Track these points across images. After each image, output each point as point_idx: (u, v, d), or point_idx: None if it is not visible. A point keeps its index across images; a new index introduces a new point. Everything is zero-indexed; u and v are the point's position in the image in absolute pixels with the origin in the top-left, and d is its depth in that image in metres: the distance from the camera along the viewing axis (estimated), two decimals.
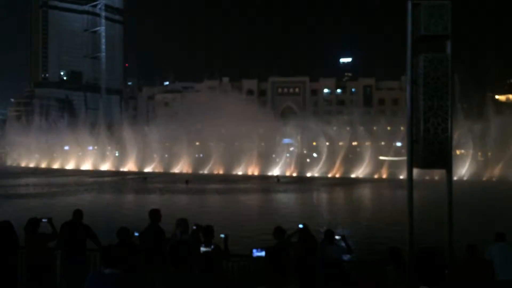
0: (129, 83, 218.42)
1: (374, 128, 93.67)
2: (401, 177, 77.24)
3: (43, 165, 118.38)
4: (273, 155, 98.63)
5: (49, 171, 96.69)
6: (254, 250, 9.10)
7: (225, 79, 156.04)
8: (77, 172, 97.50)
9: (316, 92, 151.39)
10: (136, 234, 10.59)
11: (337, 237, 11.07)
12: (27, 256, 10.29)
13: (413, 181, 8.24)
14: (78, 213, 10.77)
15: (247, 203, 43.76)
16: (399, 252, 9.64)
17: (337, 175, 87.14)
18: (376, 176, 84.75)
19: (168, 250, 5.76)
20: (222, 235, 9.63)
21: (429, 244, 4.66)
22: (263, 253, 8.87)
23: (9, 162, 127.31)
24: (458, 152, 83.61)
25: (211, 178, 79.83)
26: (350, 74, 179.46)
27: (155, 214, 10.68)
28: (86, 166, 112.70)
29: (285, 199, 48.51)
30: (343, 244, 11.18)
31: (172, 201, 42.63)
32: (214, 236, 9.46)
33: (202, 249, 9.10)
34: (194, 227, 9.92)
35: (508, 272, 9.88)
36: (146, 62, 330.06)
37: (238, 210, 37.40)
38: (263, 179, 76.69)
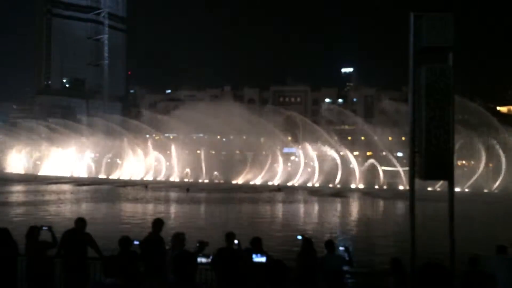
0: (131, 91, 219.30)
1: (375, 138, 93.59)
2: (401, 187, 77.21)
3: (44, 172, 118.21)
4: (275, 164, 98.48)
5: (49, 178, 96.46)
6: (254, 255, 9.12)
7: (227, 88, 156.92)
8: (78, 179, 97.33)
9: (317, 101, 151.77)
10: (136, 242, 10.54)
11: (340, 248, 11.02)
12: (27, 264, 10.25)
13: (414, 192, 8.20)
14: (80, 222, 10.72)
15: (248, 211, 43.62)
16: (401, 264, 9.59)
17: (338, 185, 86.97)
18: (376, 187, 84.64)
19: (171, 261, 5.74)
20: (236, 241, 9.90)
21: (433, 260, 4.58)
22: (263, 259, 8.85)
23: (9, 168, 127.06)
24: (459, 163, 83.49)
25: (211, 186, 79.70)
26: (351, 84, 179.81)
27: (157, 223, 10.66)
28: (87, 173, 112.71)
29: (286, 208, 48.35)
30: (345, 255, 11.13)
31: (173, 210, 42.54)
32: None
33: (199, 259, 9.12)
34: (198, 244, 9.77)
35: (510, 285, 9.80)
36: (149, 71, 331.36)
37: (238, 217, 37.28)
38: (264, 188, 76.53)
